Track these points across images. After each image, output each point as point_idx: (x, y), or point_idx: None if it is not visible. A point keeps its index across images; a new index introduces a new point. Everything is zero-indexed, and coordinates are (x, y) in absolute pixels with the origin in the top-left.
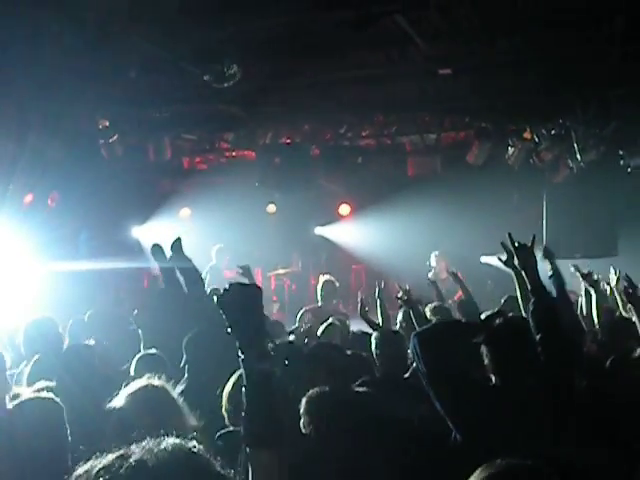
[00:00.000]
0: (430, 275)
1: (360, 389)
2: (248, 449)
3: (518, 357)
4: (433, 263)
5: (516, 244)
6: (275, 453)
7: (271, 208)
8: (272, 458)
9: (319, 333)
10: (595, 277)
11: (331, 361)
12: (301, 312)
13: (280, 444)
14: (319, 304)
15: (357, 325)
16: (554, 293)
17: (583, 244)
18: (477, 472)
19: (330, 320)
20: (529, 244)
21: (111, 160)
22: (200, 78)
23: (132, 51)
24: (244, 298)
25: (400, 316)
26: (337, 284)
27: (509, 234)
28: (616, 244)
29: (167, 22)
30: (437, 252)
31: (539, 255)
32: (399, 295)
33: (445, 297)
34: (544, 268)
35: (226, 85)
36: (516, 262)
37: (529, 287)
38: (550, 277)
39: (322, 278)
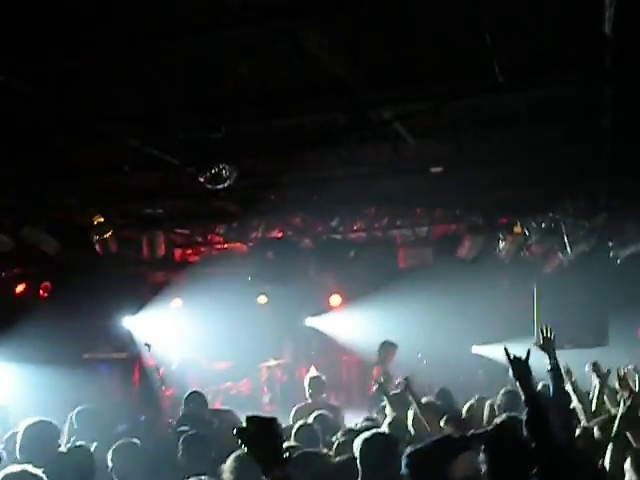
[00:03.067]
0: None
1: None
2: None
3: (515, 466)
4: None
5: (512, 357)
6: None
7: (262, 299)
8: None
9: (309, 421)
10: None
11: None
12: (294, 410)
13: None
14: (309, 400)
15: (349, 416)
16: (551, 386)
17: (574, 334)
18: None
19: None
20: (524, 357)
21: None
22: (195, 177)
23: (124, 149)
24: (262, 430)
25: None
26: (324, 378)
27: (505, 348)
28: (607, 334)
29: (159, 122)
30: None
31: (534, 346)
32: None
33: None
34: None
35: (220, 187)
36: (511, 374)
37: (523, 397)
38: (548, 371)
39: (308, 375)
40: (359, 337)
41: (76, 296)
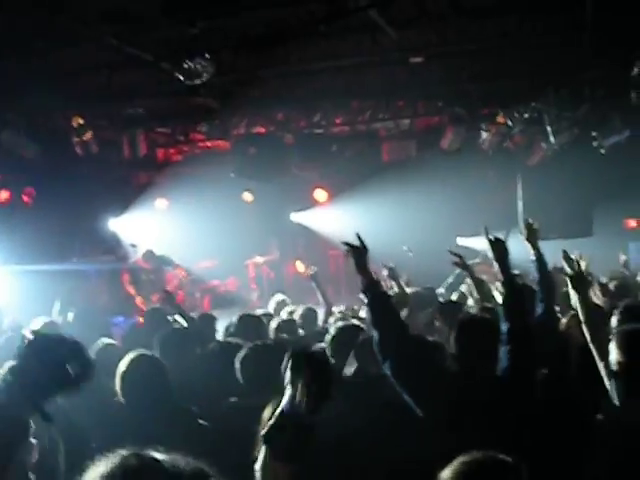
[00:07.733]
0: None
1: None
2: None
3: (479, 346)
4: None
5: (491, 238)
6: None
7: (247, 196)
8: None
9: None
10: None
11: None
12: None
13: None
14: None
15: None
16: (537, 275)
17: (558, 225)
18: (453, 466)
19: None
20: (503, 237)
21: (86, 156)
22: (172, 73)
23: (102, 49)
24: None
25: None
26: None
27: (485, 228)
28: (591, 224)
29: (137, 21)
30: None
31: (521, 237)
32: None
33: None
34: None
35: (198, 82)
36: (490, 255)
37: (501, 279)
38: (533, 261)
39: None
40: (345, 231)
41: (60, 200)
